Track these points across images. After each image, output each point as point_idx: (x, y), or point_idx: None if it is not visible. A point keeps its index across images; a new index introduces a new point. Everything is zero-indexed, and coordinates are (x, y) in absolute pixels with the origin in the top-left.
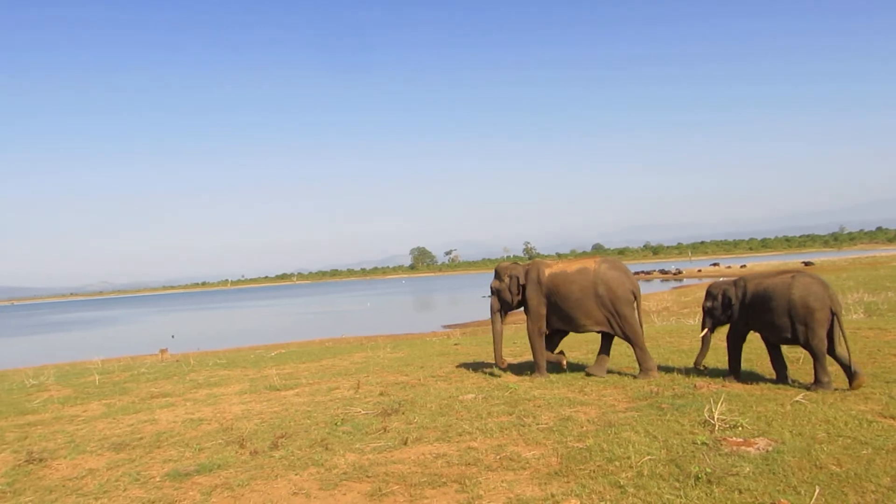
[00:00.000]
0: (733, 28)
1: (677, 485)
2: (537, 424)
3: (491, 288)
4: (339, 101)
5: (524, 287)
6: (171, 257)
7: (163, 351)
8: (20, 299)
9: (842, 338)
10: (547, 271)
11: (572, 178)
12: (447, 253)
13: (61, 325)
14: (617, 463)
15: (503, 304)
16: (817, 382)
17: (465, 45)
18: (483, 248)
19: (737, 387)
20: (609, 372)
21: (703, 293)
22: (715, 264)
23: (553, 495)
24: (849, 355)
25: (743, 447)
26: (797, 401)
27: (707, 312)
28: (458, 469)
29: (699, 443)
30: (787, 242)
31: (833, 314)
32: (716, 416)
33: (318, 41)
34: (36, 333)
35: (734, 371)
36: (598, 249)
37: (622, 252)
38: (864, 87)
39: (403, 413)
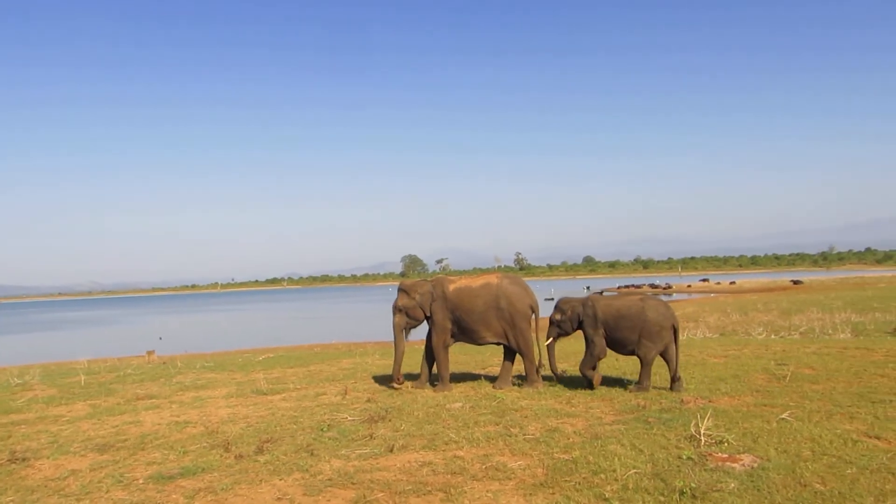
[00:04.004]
0: (733, 37)
1: (662, 499)
2: (524, 435)
3: (396, 306)
4: (334, 103)
5: (433, 302)
6: (162, 259)
7: (150, 353)
8: (5, 298)
9: (677, 350)
10: (451, 287)
11: (565, 190)
12: (438, 261)
13: (48, 324)
14: (602, 475)
15: (410, 322)
16: (640, 384)
17: (466, 52)
18: (474, 258)
19: (724, 402)
20: (603, 384)
21: (694, 308)
22: (704, 280)
23: None
24: (677, 365)
25: (728, 463)
26: (783, 418)
27: (556, 324)
28: (444, 478)
29: (685, 457)
30: (777, 260)
31: (674, 330)
32: (702, 432)
33: (312, 41)
34: (22, 332)
35: (588, 377)
36: (588, 262)
37: (613, 265)
38: (854, 110)
39: (390, 420)
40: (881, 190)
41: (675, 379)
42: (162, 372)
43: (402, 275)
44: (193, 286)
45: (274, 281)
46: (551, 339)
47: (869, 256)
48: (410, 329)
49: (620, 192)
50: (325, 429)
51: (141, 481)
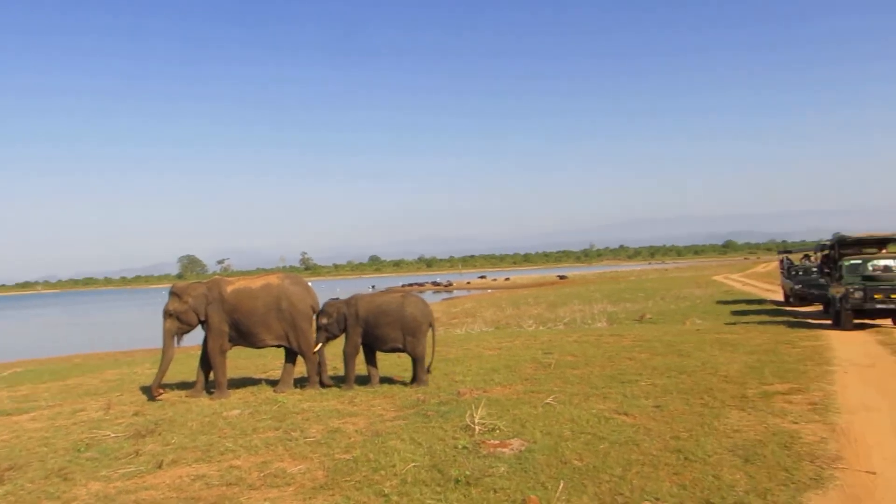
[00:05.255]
0: (504, 43)
1: (438, 489)
2: (305, 438)
3: (167, 310)
4: (105, 95)
5: (209, 305)
6: None
7: None
8: None
9: (433, 346)
10: (229, 288)
11: (351, 190)
12: (219, 262)
13: None
14: (382, 472)
15: (182, 327)
16: (417, 380)
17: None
18: (258, 258)
19: (497, 392)
20: (382, 381)
21: (473, 304)
22: (482, 277)
23: None
24: (431, 360)
25: (499, 449)
26: (548, 403)
27: (322, 329)
28: (219, 490)
29: (461, 447)
30: (546, 257)
31: (430, 327)
32: (476, 421)
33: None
34: None
35: (349, 378)
36: (374, 261)
37: (398, 264)
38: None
39: (160, 434)
40: (632, 194)
41: (427, 371)
42: None
43: (179, 276)
44: None
45: (26, 285)
46: (320, 344)
47: (622, 253)
48: (183, 335)
49: (405, 193)
50: (82, 449)
51: None
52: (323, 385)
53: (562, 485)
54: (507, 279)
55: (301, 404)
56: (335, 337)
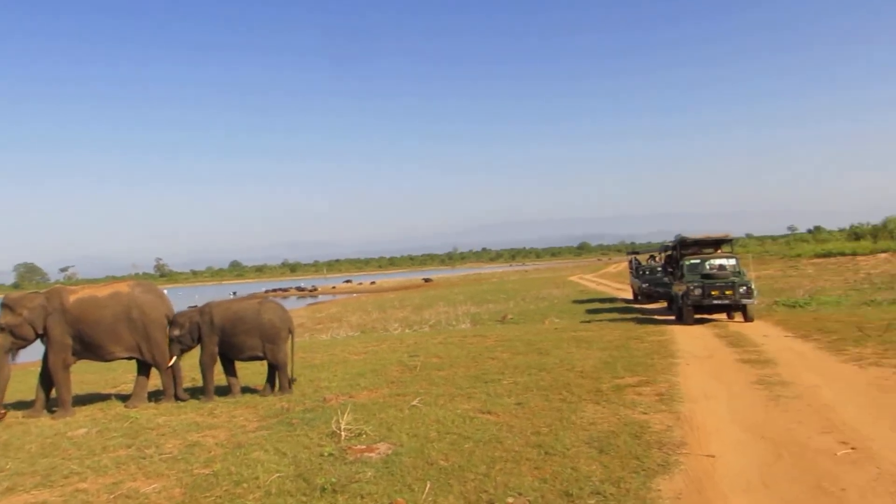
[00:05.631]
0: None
1: (304, 498)
2: (160, 454)
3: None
4: None
5: (48, 317)
6: None
7: None
8: None
9: (293, 353)
10: (72, 298)
11: (210, 193)
12: (63, 269)
13: None
14: (245, 485)
15: (17, 342)
16: (282, 388)
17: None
18: (108, 265)
19: (363, 396)
20: (243, 390)
21: (338, 309)
22: (348, 281)
23: None
24: (292, 367)
25: (366, 453)
26: (414, 405)
27: (175, 340)
28: None
29: (326, 454)
30: (411, 260)
31: (290, 333)
32: (342, 427)
33: None
34: None
35: (209, 390)
36: (235, 267)
37: (261, 269)
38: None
39: None
40: (495, 198)
41: (291, 381)
42: None
43: (16, 286)
44: None
45: None
46: (174, 357)
47: (485, 255)
48: (19, 350)
49: (267, 196)
50: None
51: None
52: (179, 398)
53: (428, 486)
54: (373, 283)
55: (156, 419)
56: (189, 348)
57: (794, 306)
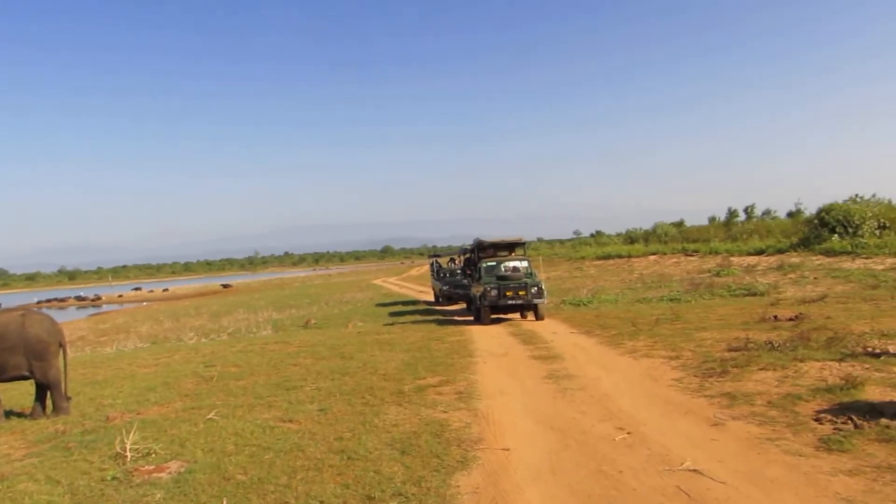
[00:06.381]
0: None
1: None
2: None
3: None
4: None
5: None
6: None
7: None
8: None
9: (66, 368)
10: None
11: None
12: None
13: None
14: None
15: None
16: (57, 409)
17: None
18: None
19: (153, 412)
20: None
21: (126, 319)
22: (137, 289)
23: None
24: (67, 384)
25: (155, 474)
26: (210, 418)
27: None
28: None
29: (109, 479)
30: (209, 266)
31: (61, 346)
32: (128, 447)
33: None
34: None
35: None
36: (0, 275)
37: (33, 278)
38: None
39: None
40: (298, 202)
41: (67, 399)
42: None
43: None
44: None
45: None
46: None
47: (287, 260)
48: None
49: (30, 192)
50: None
51: None
52: None
53: (224, 502)
54: (166, 290)
55: None
56: None
57: (578, 305)
